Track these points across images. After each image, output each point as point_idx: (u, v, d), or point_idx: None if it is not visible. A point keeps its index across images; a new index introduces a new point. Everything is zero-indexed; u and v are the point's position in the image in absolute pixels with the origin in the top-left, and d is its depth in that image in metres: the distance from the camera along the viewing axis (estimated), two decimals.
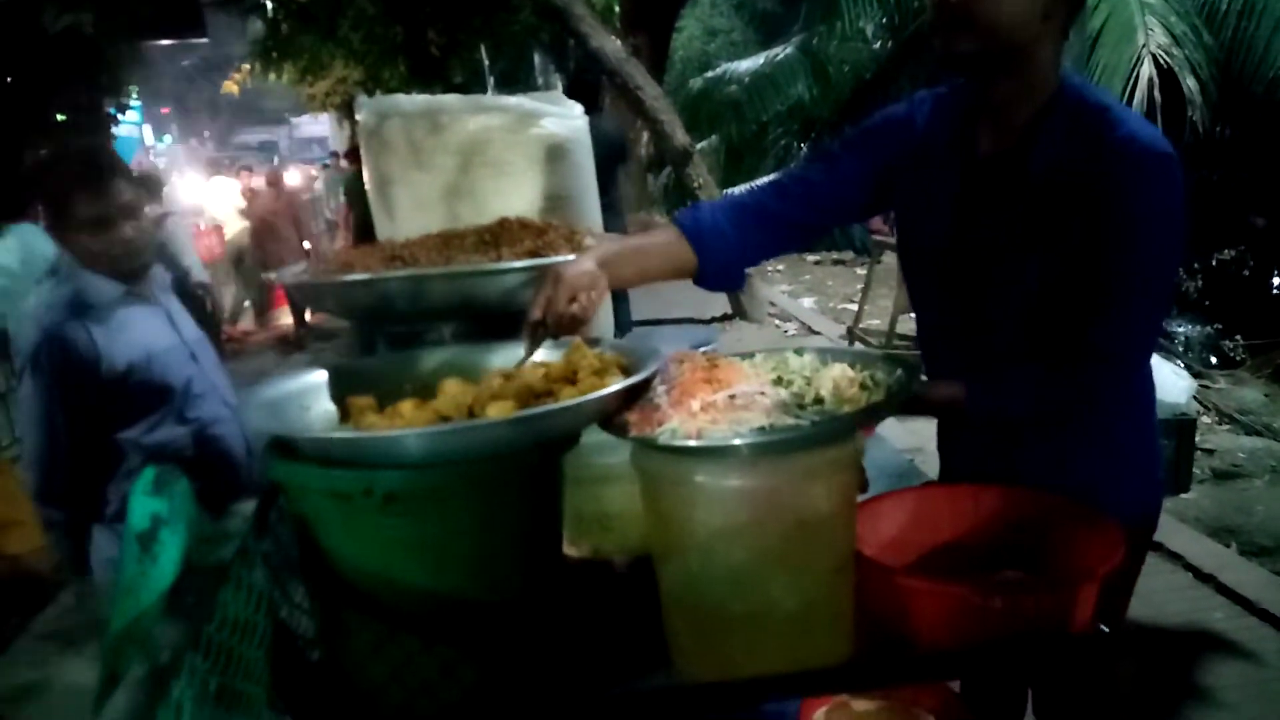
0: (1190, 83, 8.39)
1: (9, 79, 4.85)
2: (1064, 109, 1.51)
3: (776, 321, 8.56)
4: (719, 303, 8.49)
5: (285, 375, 1.39)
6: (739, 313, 8.18)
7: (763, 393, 1.27)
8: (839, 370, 1.41)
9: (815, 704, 1.57)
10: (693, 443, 1.19)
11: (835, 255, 13.22)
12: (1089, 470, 1.64)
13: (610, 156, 6.78)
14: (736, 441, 1.18)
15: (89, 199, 2.13)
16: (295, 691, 1.28)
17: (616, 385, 1.24)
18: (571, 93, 2.48)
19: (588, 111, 2.21)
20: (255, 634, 1.23)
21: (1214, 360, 8.06)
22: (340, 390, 1.38)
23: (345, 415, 1.35)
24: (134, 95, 8.52)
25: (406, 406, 1.25)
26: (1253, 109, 8.79)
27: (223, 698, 1.10)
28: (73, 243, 2.18)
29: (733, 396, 1.26)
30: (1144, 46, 8.29)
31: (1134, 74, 8.24)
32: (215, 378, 2.44)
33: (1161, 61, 8.28)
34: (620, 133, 7.00)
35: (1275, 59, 8.42)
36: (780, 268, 11.94)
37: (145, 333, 2.28)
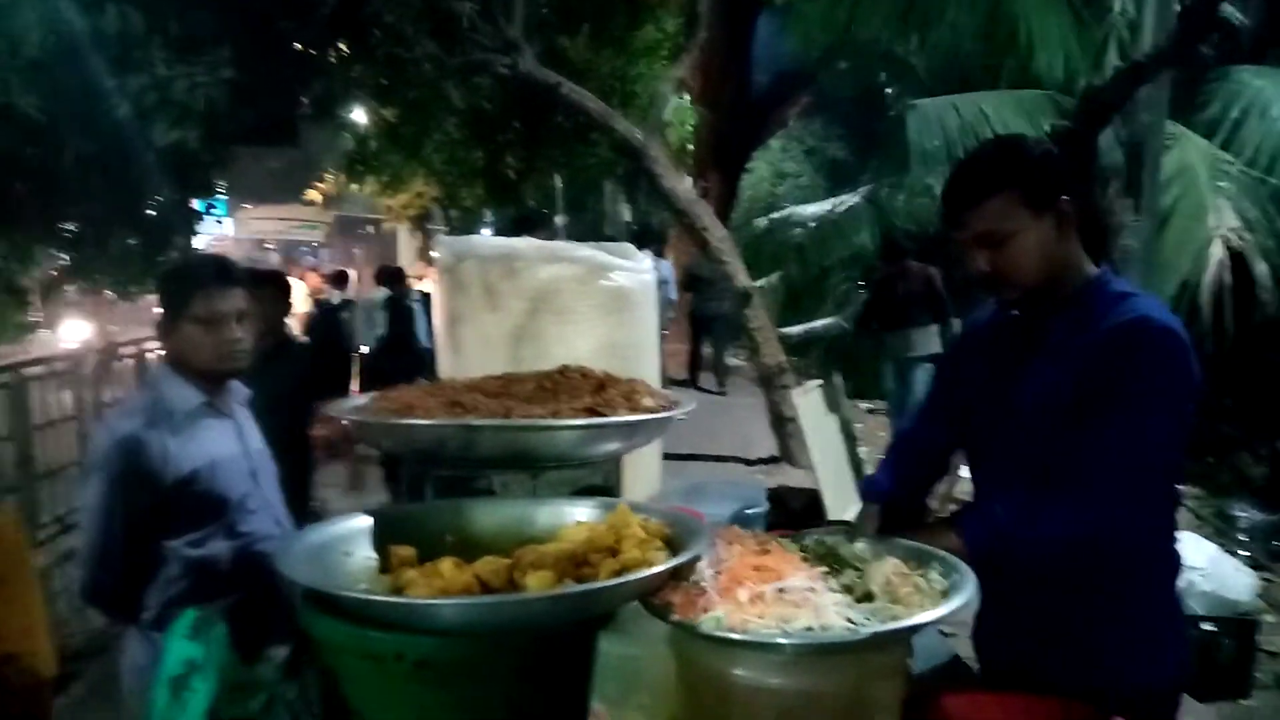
0: (1261, 266, 8.33)
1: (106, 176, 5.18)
2: (1092, 296, 1.63)
3: None
4: (765, 440, 8.42)
5: (329, 520, 1.38)
6: (786, 457, 8.07)
7: (813, 589, 1.23)
8: (892, 565, 1.38)
9: None
10: (736, 635, 1.16)
11: (888, 404, 13.10)
12: (1106, 655, 1.64)
13: None
14: (781, 640, 1.14)
15: (206, 299, 2.24)
16: None
17: (661, 566, 1.21)
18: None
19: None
20: None
21: (1279, 549, 7.73)
22: (383, 537, 1.37)
23: (386, 564, 1.33)
24: (221, 191, 8.94)
25: (446, 566, 1.23)
26: None
27: None
28: (179, 339, 2.27)
29: (782, 590, 1.22)
30: (1215, 229, 8.29)
31: (1204, 254, 8.21)
32: (271, 495, 2.45)
33: (1232, 244, 8.25)
34: None
35: None
36: None
37: (213, 444, 2.31)
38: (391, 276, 8.61)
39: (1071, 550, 1.58)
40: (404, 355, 7.77)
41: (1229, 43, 9.12)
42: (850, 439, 7.22)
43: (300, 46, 6.32)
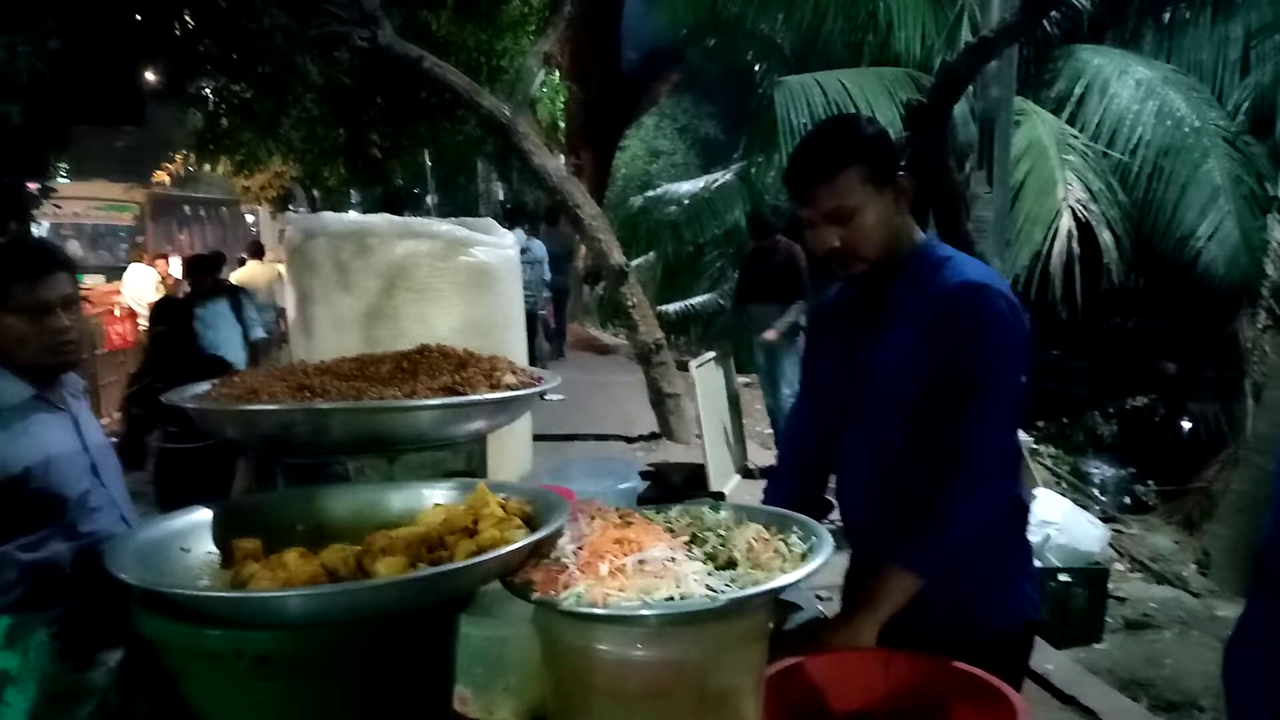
0: (1105, 236, 8.82)
1: None
2: (919, 262, 1.74)
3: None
4: (645, 418, 8.46)
5: (167, 515, 1.30)
6: (665, 432, 8.13)
7: (673, 558, 1.22)
8: (754, 531, 1.38)
9: None
10: (598, 610, 1.13)
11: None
12: (966, 603, 1.71)
13: None
14: (643, 612, 1.12)
15: (28, 287, 2.06)
16: None
17: (517, 544, 1.17)
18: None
19: None
20: None
21: (1128, 502, 8.24)
22: (226, 530, 1.29)
23: (229, 559, 1.26)
24: (61, 175, 8.30)
25: (291, 556, 1.16)
26: (1162, 263, 9.26)
27: None
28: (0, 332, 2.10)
29: (642, 561, 1.21)
30: (1063, 200, 8.73)
31: (1054, 225, 8.63)
32: (115, 491, 2.31)
33: (1080, 215, 8.71)
34: None
35: (1181, 218, 8.95)
36: None
37: (47, 439, 2.15)
38: (194, 265, 7.58)
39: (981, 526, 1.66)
40: (173, 363, 6.67)
41: (1070, 21, 9.60)
42: (737, 410, 7.29)
43: (140, 18, 5.93)
